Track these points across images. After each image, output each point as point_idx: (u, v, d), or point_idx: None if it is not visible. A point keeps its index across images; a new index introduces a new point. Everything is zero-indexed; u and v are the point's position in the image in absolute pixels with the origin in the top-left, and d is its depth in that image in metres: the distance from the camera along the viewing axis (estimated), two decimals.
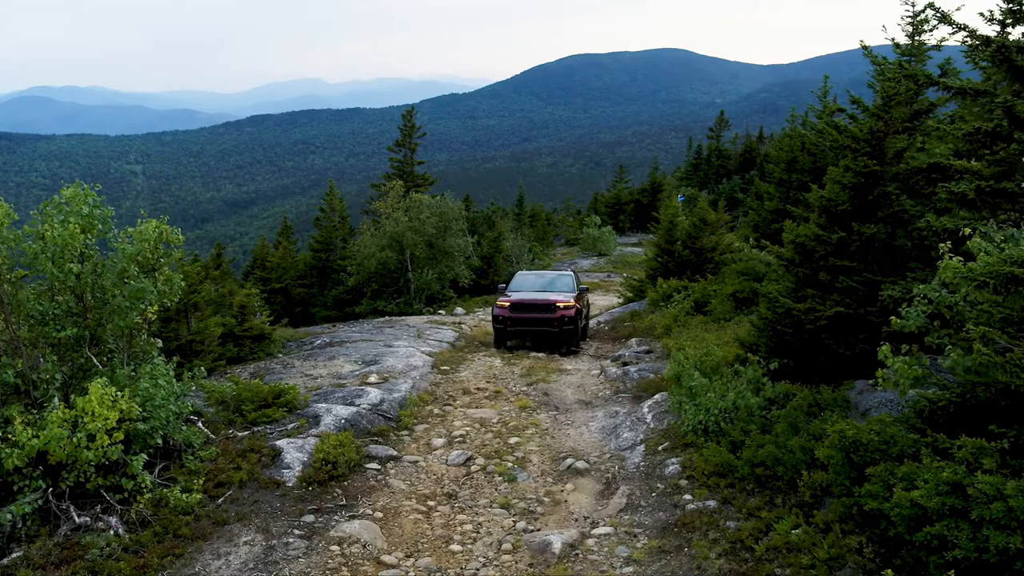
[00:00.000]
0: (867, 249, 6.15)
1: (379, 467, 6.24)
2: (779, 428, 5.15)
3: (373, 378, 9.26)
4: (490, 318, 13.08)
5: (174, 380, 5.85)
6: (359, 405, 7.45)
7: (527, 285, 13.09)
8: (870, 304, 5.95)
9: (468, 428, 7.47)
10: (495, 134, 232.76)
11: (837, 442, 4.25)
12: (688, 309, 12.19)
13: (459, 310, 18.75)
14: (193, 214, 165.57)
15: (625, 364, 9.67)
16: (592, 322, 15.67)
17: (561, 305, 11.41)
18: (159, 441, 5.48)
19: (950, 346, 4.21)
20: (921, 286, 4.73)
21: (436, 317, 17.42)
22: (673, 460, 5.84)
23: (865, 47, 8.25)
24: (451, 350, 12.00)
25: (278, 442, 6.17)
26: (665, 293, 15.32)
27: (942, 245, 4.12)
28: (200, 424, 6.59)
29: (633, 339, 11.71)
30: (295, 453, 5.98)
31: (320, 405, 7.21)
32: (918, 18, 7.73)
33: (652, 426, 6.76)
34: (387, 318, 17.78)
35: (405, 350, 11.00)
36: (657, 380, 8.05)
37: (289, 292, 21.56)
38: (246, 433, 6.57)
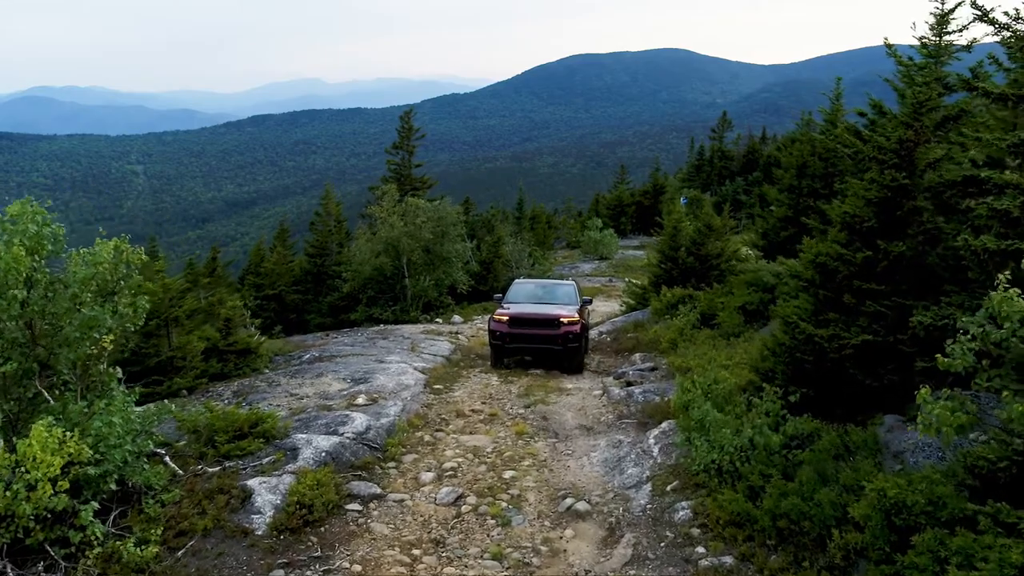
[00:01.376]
0: (896, 270, 5.60)
1: (360, 508, 5.71)
2: (804, 475, 4.60)
3: (361, 399, 8.72)
4: (488, 327, 12.24)
5: (134, 415, 5.32)
6: (343, 434, 6.92)
7: (525, 295, 12.21)
8: (900, 331, 5.41)
9: (460, 459, 6.93)
10: (496, 134, 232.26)
11: (876, 502, 3.70)
12: (694, 322, 11.65)
13: (456, 318, 18.22)
14: (194, 214, 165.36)
15: (629, 384, 9.13)
16: (593, 332, 15.13)
17: (565, 320, 10.54)
18: (113, 486, 4.95)
19: (1007, 393, 3.66)
20: (965, 318, 4.19)
21: (432, 326, 16.89)
22: (684, 504, 5.30)
23: (889, 46, 7.70)
24: (446, 365, 11.46)
25: (250, 481, 5.63)
26: (669, 302, 14.77)
27: (1001, 276, 3.57)
28: (167, 458, 6.06)
29: (637, 354, 11.16)
30: (267, 495, 5.44)
31: (300, 436, 6.66)
32: (945, 17, 7.16)
33: (659, 460, 6.22)
34: (382, 327, 17.23)
35: (397, 366, 10.46)
36: (663, 405, 7.51)
37: (283, 298, 21.03)
38: (217, 469, 6.03)
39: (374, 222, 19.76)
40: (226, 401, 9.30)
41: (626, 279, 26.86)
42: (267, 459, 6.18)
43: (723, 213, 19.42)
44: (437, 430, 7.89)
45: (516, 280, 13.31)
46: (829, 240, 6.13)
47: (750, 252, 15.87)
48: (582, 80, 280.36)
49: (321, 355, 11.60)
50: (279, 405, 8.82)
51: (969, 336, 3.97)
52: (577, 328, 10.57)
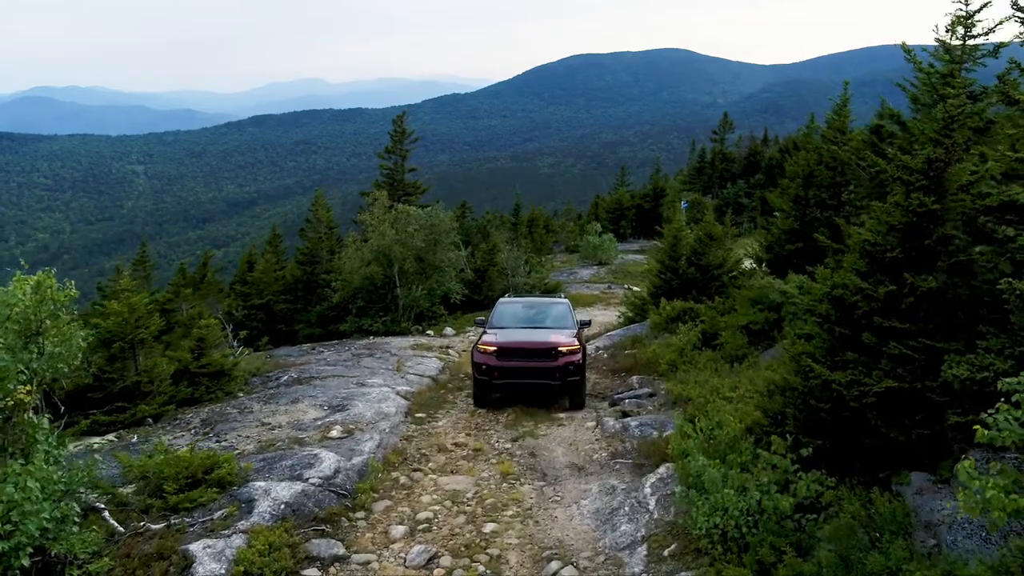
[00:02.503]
0: (923, 306, 4.95)
1: (319, 574, 5.07)
2: (823, 556, 3.95)
3: (336, 431, 8.09)
4: (471, 358, 10.00)
5: (58, 475, 4.68)
6: (308, 479, 6.27)
7: (513, 318, 10.56)
8: (929, 377, 4.76)
9: (437, 507, 6.29)
10: (497, 134, 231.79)
11: None
12: (695, 341, 10.99)
13: (448, 330, 17.58)
14: (195, 214, 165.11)
15: (625, 415, 8.48)
16: (591, 347, 14.49)
17: (563, 349, 9.02)
18: (26, 562, 4.31)
19: None
20: (1008, 380, 3.55)
21: (423, 339, 16.25)
22: (684, 575, 4.65)
23: (908, 50, 7.07)
24: (432, 388, 10.81)
25: (193, 546, 4.98)
26: (669, 316, 14.13)
27: None
28: (106, 514, 5.42)
29: (634, 376, 10.50)
30: (210, 564, 4.80)
31: (258, 484, 6.02)
32: (970, 18, 6.52)
33: (656, 516, 5.57)
34: (371, 340, 16.60)
35: (378, 391, 9.82)
36: (661, 443, 6.87)
37: (271, 308, 20.40)
38: (161, 526, 5.39)
39: (365, 230, 19.13)
40: (193, 431, 8.68)
41: (625, 286, 26.23)
42: (219, 513, 5.54)
43: (725, 221, 18.78)
44: (415, 469, 7.24)
45: (501, 300, 11.41)
46: (846, 269, 5.48)
47: (753, 265, 15.23)
48: (583, 80, 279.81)
49: (300, 377, 10.96)
50: (248, 436, 8.20)
51: (1020, 409, 3.33)
52: (577, 358, 9.11)
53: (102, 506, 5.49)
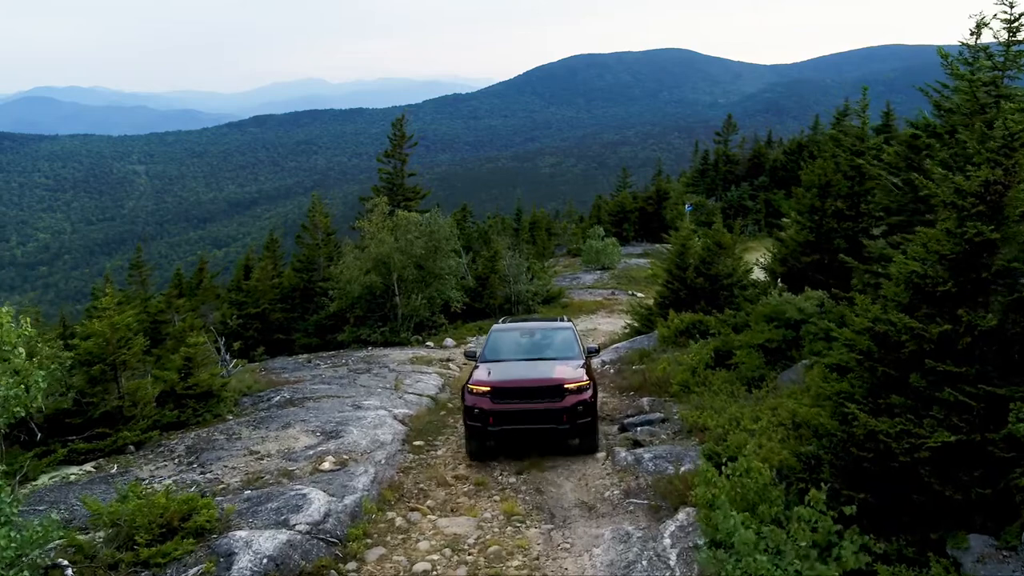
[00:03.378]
0: (982, 348, 4.42)
1: None
2: None
3: (328, 462, 7.57)
4: (461, 400, 8.17)
5: (5, 541, 4.16)
6: (295, 526, 5.75)
7: (509, 348, 9.01)
8: (990, 428, 4.23)
9: (436, 555, 5.76)
10: (498, 134, 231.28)
11: None
12: (708, 359, 10.45)
13: (449, 341, 17.05)
14: (196, 214, 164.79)
15: (637, 444, 7.94)
16: (595, 361, 13.97)
17: (571, 386, 7.59)
18: None
19: None
20: None
21: (422, 352, 15.73)
22: None
23: (944, 56, 6.53)
24: (431, 409, 10.28)
25: None
26: (677, 329, 13.62)
27: None
28: (69, 572, 4.90)
29: (644, 399, 9.96)
30: None
31: (239, 534, 5.49)
32: (1016, 23, 5.98)
33: (678, 573, 5.03)
34: (368, 352, 16.09)
35: (375, 415, 9.30)
36: (679, 483, 6.33)
37: (267, 317, 19.88)
38: None
39: (363, 237, 18.62)
40: (177, 460, 8.17)
41: (629, 292, 25.68)
42: (194, 570, 5.02)
43: (734, 228, 18.23)
44: (412, 508, 6.71)
45: (495, 328, 9.77)
46: (888, 300, 4.95)
47: (765, 276, 14.70)
48: (584, 80, 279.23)
49: (292, 397, 10.44)
50: (235, 468, 7.69)
51: None
52: (588, 395, 7.65)
53: (65, 563, 4.97)
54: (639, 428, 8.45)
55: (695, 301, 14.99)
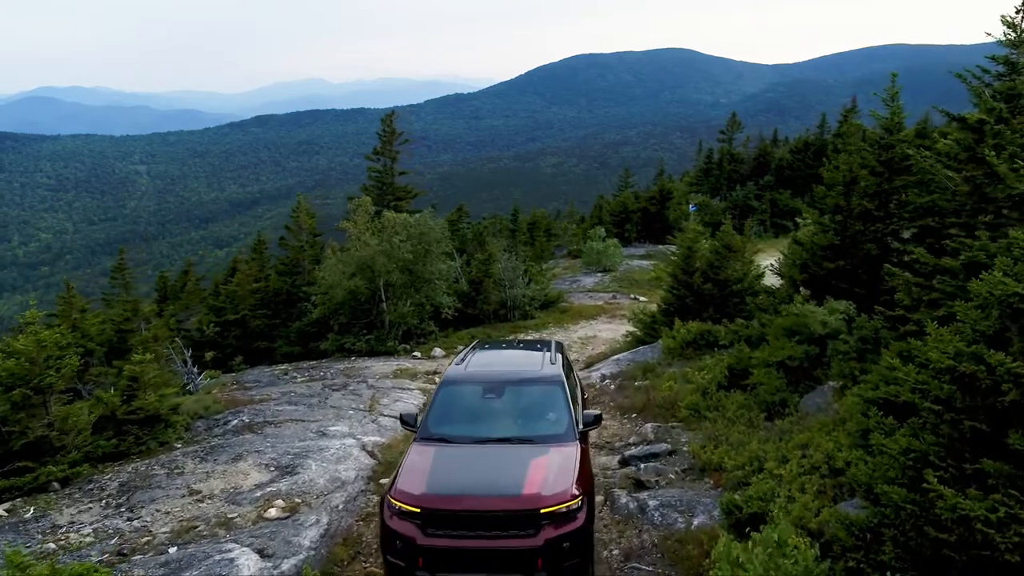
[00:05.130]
0: None
1: None
2: None
3: (276, 508, 6.43)
4: (379, 518, 5.08)
5: None
6: None
7: (467, 414, 6.02)
8: None
9: None
10: (499, 134, 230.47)
11: None
12: (720, 379, 9.28)
13: (437, 351, 15.89)
14: (197, 214, 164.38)
15: (641, 485, 6.77)
16: (595, 374, 12.81)
17: (551, 508, 4.69)
18: None
19: None
20: None
21: (408, 363, 14.57)
22: None
23: (996, 59, 5.37)
24: (408, 435, 9.10)
25: None
26: (684, 340, 12.45)
27: None
28: None
29: (648, 425, 8.77)
30: None
31: None
32: None
33: None
34: (350, 363, 14.94)
35: (340, 445, 8.14)
36: (691, 547, 5.16)
37: (247, 324, 18.74)
38: None
39: (349, 238, 17.48)
40: (105, 501, 7.03)
41: (632, 296, 24.50)
42: None
43: (744, 230, 17.05)
44: (368, 572, 5.55)
45: (448, 375, 6.57)
46: (965, 329, 3.77)
47: (779, 281, 13.52)
48: (585, 80, 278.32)
49: (252, 421, 9.27)
50: (168, 512, 6.55)
51: None
52: (578, 523, 4.75)
53: None
54: (643, 464, 7.27)
55: (703, 309, 13.84)
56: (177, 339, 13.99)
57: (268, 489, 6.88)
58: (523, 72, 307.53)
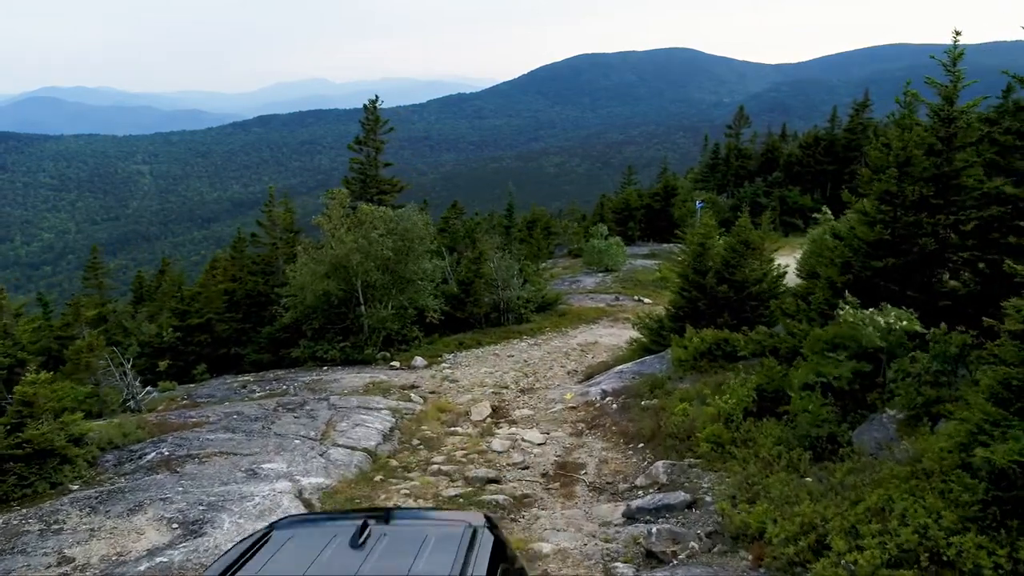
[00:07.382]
0: None
1: None
2: None
3: None
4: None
5: None
6: None
7: None
8: None
9: None
10: (502, 134, 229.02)
11: None
12: (748, 403, 7.55)
13: (419, 360, 14.17)
14: (200, 214, 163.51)
15: (652, 556, 5.05)
16: (595, 390, 11.12)
17: None
18: None
19: None
20: None
21: (383, 375, 12.86)
22: None
23: None
24: (363, 473, 7.34)
25: None
26: (697, 350, 10.75)
27: None
28: None
29: (660, 463, 7.02)
30: None
31: None
32: None
33: None
34: (318, 373, 13.26)
35: (270, 489, 6.42)
36: None
37: (213, 328, 17.06)
38: None
39: (322, 235, 15.80)
40: None
41: (636, 297, 22.77)
42: None
43: (763, 224, 15.27)
44: None
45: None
46: None
47: (799, 282, 11.79)
48: (588, 80, 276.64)
49: (172, 454, 7.54)
50: None
51: None
52: None
53: None
54: (654, 523, 5.54)
55: (717, 313, 12.16)
56: (115, 348, 12.31)
57: (158, 559, 5.18)
58: (526, 72, 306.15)
